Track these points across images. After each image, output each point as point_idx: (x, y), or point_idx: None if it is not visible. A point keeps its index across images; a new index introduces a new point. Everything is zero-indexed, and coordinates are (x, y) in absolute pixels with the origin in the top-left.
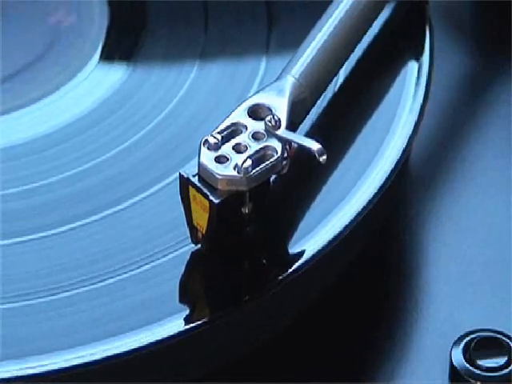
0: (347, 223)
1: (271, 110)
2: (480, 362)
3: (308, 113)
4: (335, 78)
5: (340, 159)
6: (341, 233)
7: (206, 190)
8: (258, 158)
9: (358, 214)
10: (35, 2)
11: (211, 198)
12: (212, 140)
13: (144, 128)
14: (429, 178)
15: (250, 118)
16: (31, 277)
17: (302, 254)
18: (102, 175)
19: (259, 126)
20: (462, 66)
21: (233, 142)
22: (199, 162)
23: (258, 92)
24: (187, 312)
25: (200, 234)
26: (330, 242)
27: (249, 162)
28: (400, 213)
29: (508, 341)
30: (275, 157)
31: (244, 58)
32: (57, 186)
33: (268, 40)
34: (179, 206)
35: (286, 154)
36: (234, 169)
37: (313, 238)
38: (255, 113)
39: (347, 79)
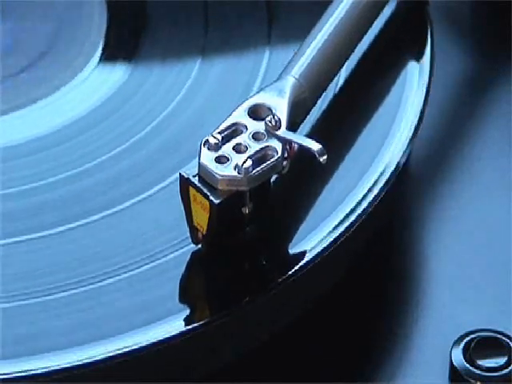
0: (348, 224)
1: (271, 110)
2: (480, 362)
3: (308, 113)
4: (336, 79)
5: (341, 160)
6: (342, 234)
7: (206, 191)
8: (259, 158)
9: (359, 215)
10: (36, 2)
11: (211, 198)
12: (212, 140)
13: (144, 128)
14: (429, 179)
15: (251, 119)
16: (29, 277)
17: (302, 254)
18: (102, 175)
19: (259, 126)
20: (462, 65)
21: (233, 142)
22: (199, 163)
23: (258, 92)
24: (187, 312)
25: (200, 235)
26: (331, 243)
27: (249, 162)
28: (400, 213)
29: (508, 341)
30: (275, 157)
31: (244, 57)
32: (56, 186)
33: (269, 39)
34: (180, 207)
35: (286, 154)
36: (235, 169)
37: (313, 238)
38: (255, 113)
39: (348, 80)
